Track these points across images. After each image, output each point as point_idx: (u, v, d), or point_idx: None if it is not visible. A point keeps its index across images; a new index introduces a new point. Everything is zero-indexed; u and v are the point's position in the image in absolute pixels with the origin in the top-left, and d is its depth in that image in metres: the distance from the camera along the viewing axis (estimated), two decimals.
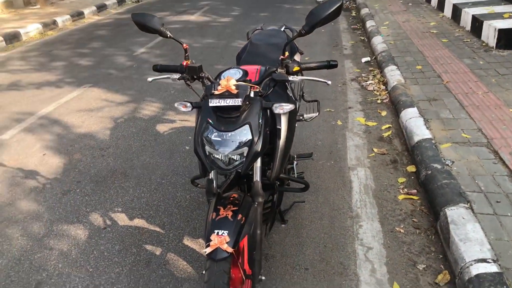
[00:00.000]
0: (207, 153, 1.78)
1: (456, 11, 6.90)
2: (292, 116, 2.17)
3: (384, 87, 4.92)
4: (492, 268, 2.02)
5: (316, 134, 3.92)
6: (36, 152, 3.88)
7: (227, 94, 1.73)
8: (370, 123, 4.06)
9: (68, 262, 2.52)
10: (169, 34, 2.03)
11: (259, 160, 1.94)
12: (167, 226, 2.77)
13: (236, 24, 8.98)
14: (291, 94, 2.26)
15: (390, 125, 3.98)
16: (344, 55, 6.37)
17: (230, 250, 1.62)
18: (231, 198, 1.86)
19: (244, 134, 1.74)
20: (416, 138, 3.39)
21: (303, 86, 3.23)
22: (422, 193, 2.91)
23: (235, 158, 1.75)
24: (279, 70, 1.90)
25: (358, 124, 4.08)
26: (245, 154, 1.74)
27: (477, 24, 5.98)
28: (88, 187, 3.28)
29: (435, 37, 6.24)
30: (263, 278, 1.89)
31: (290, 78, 1.85)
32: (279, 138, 1.97)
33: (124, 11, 11.67)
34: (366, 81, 5.22)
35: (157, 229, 2.75)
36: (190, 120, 4.35)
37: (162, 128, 4.24)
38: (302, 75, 1.95)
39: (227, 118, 1.76)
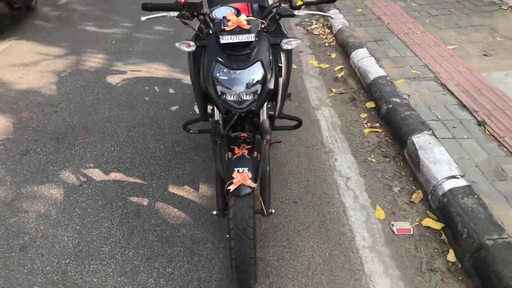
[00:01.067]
0: (219, 93, 1.76)
1: None
2: (290, 54, 2.19)
3: (329, 30, 5.06)
4: (462, 182, 2.31)
5: None
6: None
7: (238, 30, 1.69)
8: (323, 65, 4.20)
9: (50, 223, 2.40)
10: None
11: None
12: (148, 177, 2.73)
13: None
14: (285, 32, 2.27)
15: (342, 66, 4.16)
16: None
17: (253, 185, 1.68)
18: (242, 138, 1.89)
19: (257, 71, 1.74)
20: (372, 76, 3.60)
21: None
22: (385, 126, 3.15)
23: (247, 98, 1.76)
24: (282, 5, 1.89)
25: (312, 67, 4.20)
26: (258, 92, 1.76)
27: None
28: (49, 145, 3.06)
29: None
30: (273, 211, 1.98)
31: (296, 12, 1.86)
32: (281, 76, 1.99)
33: None
34: (311, 25, 5.32)
35: (138, 180, 2.70)
36: (143, 71, 4.15)
37: (113, 79, 4.01)
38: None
39: (238, 56, 1.74)
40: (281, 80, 1.99)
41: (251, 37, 1.69)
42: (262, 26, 1.79)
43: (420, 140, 2.69)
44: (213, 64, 1.77)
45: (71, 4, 6.39)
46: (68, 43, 4.90)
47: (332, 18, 1.94)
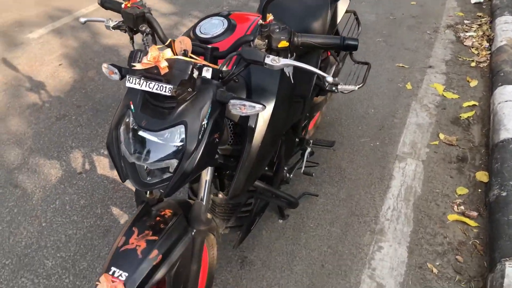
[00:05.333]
0: (122, 155, 1.18)
1: None
2: (284, 106, 1.45)
3: (487, 44, 3.74)
4: None
5: (372, 97, 3.06)
6: (54, 60, 3.51)
7: (156, 72, 1.06)
8: (449, 95, 3.08)
9: (25, 209, 2.18)
10: None
11: (209, 170, 1.31)
12: None
13: None
14: (288, 73, 1.48)
15: (476, 103, 2.98)
16: None
17: None
18: (158, 218, 1.27)
19: (174, 138, 1.10)
20: (504, 135, 2.44)
21: (359, 32, 2.35)
22: (485, 221, 2.09)
23: (150, 178, 1.14)
24: (256, 41, 1.15)
25: (432, 93, 3.12)
26: (171, 169, 1.12)
27: None
28: (86, 115, 2.86)
29: None
30: None
31: (268, 60, 1.09)
32: (250, 141, 1.30)
33: None
34: (467, 31, 4.02)
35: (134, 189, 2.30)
36: None
37: None
38: (292, 55, 1.19)
39: (157, 107, 1.11)
40: (248, 148, 1.29)
41: (166, 90, 1.03)
42: (207, 67, 1.11)
43: None
44: (124, 110, 1.18)
45: None
46: (177, 4, 4.66)
47: (330, 85, 1.10)
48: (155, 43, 1.36)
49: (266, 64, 1.09)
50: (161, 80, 1.05)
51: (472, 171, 2.40)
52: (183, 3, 4.63)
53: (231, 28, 1.46)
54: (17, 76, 3.28)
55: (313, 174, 2.01)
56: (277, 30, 1.13)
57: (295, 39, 1.14)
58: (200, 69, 1.12)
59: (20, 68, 3.38)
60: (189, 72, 1.05)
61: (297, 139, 1.96)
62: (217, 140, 1.17)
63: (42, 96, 3.05)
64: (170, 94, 1.03)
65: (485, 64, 3.48)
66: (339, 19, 2.13)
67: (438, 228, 2.07)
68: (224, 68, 1.18)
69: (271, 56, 1.09)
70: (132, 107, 1.14)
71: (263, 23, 1.11)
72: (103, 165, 2.45)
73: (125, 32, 1.39)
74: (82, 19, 1.45)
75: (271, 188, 1.65)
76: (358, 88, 2.20)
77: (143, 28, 1.32)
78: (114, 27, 1.38)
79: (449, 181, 2.35)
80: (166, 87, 1.03)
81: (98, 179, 2.35)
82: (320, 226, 2.09)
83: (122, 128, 1.17)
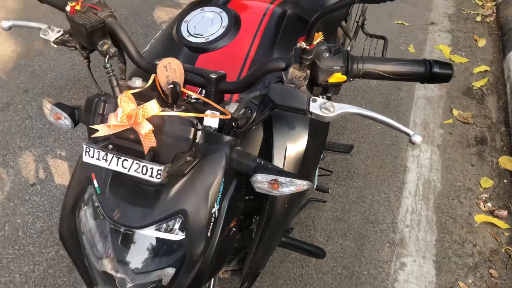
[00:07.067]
0: (86, 253, 0.76)
1: None
2: (317, 145, 1.05)
3: None
4: None
5: None
6: None
7: (133, 138, 0.65)
8: (457, 58, 2.72)
9: None
10: None
11: None
12: None
13: None
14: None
15: (488, 68, 2.64)
16: None
17: None
18: None
19: (167, 237, 0.70)
20: None
21: (365, 9, 1.93)
22: None
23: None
24: (292, 71, 0.72)
25: (438, 57, 2.74)
26: (165, 282, 0.72)
27: None
28: (35, 103, 2.33)
29: None
30: None
31: (314, 108, 0.68)
32: (271, 204, 0.91)
33: None
34: None
35: None
36: None
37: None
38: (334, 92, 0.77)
39: (137, 184, 0.70)
40: (271, 210, 0.91)
41: (152, 172, 0.63)
42: (213, 117, 0.71)
43: None
44: (83, 185, 0.75)
45: None
46: None
47: (412, 143, 0.70)
48: (125, 64, 0.90)
49: (311, 113, 0.68)
50: (142, 154, 0.63)
51: (495, 156, 2.11)
52: None
53: (234, 24, 1.00)
54: None
55: (329, 190, 1.65)
56: (327, 55, 0.71)
57: (355, 67, 0.72)
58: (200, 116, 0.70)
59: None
60: (191, 138, 0.64)
61: None
62: (234, 230, 0.77)
63: None
64: (159, 181, 0.62)
65: (491, 19, 3.11)
66: None
67: (465, 233, 1.80)
68: (241, 112, 0.76)
69: (319, 100, 0.68)
70: (95, 183, 0.71)
71: (307, 47, 0.68)
72: (62, 171, 2.00)
73: (74, 49, 0.90)
74: (4, 24, 0.95)
75: (294, 241, 1.28)
76: None
77: (105, 47, 0.83)
78: (57, 42, 0.90)
79: (470, 170, 2.05)
80: (152, 168, 0.62)
81: (57, 192, 1.92)
82: (331, 240, 1.77)
83: (81, 214, 0.75)
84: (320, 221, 1.83)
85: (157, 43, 1.11)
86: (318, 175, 1.64)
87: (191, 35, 1.01)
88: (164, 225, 0.68)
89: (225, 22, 1.02)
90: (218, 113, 0.72)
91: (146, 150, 0.63)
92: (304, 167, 0.95)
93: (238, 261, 1.35)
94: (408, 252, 1.73)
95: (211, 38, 1.00)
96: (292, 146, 0.92)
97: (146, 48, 1.18)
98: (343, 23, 1.69)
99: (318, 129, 1.03)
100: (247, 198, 0.99)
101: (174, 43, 1.02)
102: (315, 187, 1.59)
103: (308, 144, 0.94)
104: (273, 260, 1.70)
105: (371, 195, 1.93)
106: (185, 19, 1.06)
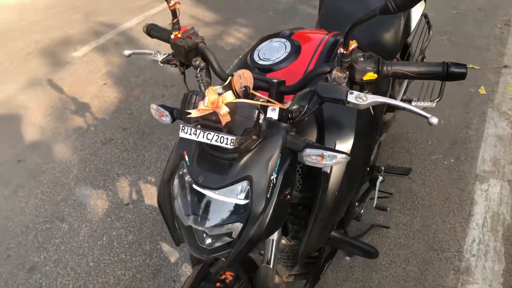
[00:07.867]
0: (176, 214, 0.99)
1: None
2: (364, 143, 1.22)
3: None
4: None
5: (440, 105, 2.70)
6: (98, 79, 3.43)
7: (214, 119, 0.87)
8: None
9: (72, 246, 2.07)
10: None
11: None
12: None
13: None
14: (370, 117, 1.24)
15: None
16: None
17: None
18: (219, 284, 1.08)
19: (237, 197, 0.90)
20: None
21: (424, 47, 2.07)
22: None
23: (211, 242, 0.94)
24: (335, 73, 0.92)
25: (511, 98, 2.75)
26: (234, 235, 0.91)
27: None
28: (132, 138, 2.74)
29: None
30: None
31: (351, 98, 0.88)
32: (324, 190, 1.08)
33: None
34: None
35: None
36: None
37: None
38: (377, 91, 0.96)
39: (216, 158, 0.92)
40: (323, 197, 1.07)
41: (227, 141, 0.84)
42: (273, 107, 0.91)
43: None
44: (177, 160, 0.98)
45: None
46: (222, 11, 4.49)
47: (430, 124, 0.86)
48: (210, 78, 1.17)
49: (349, 102, 0.87)
50: (221, 130, 0.86)
51: None
52: (226, 10, 4.47)
53: (295, 50, 1.25)
54: (62, 98, 3.23)
55: (387, 208, 1.75)
56: (362, 59, 0.91)
57: (385, 68, 0.91)
58: (264, 108, 0.91)
59: (65, 90, 3.33)
60: (255, 118, 0.85)
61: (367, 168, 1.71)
62: (288, 197, 0.95)
63: (87, 119, 2.97)
64: (232, 147, 0.83)
65: None
66: (413, 25, 1.86)
67: None
68: (295, 107, 0.97)
69: (355, 93, 0.87)
70: (186, 158, 0.95)
71: (344, 52, 0.89)
72: (151, 195, 2.30)
73: (175, 66, 1.21)
74: (127, 52, 1.28)
75: (346, 237, 1.41)
76: (436, 103, 1.92)
77: (197, 63, 1.13)
78: (163, 62, 1.21)
79: None
80: (227, 138, 0.84)
81: (146, 211, 2.21)
82: (394, 264, 1.82)
83: (175, 183, 0.99)
84: (383, 246, 1.89)
85: (235, 67, 1.38)
86: (378, 197, 1.74)
87: (261, 59, 1.26)
88: (236, 186, 0.88)
89: (288, 49, 1.26)
90: (277, 107, 0.94)
91: (223, 124, 0.85)
92: (351, 166, 1.11)
93: (301, 266, 1.49)
94: (474, 280, 1.72)
95: (276, 61, 1.24)
96: (340, 146, 1.11)
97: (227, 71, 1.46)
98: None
99: (365, 132, 1.21)
100: (300, 189, 1.17)
101: (247, 66, 1.27)
102: (374, 205, 1.69)
103: (354, 145, 1.12)
104: (336, 278, 1.79)
105: (435, 225, 1.96)
106: (257, 48, 1.32)
